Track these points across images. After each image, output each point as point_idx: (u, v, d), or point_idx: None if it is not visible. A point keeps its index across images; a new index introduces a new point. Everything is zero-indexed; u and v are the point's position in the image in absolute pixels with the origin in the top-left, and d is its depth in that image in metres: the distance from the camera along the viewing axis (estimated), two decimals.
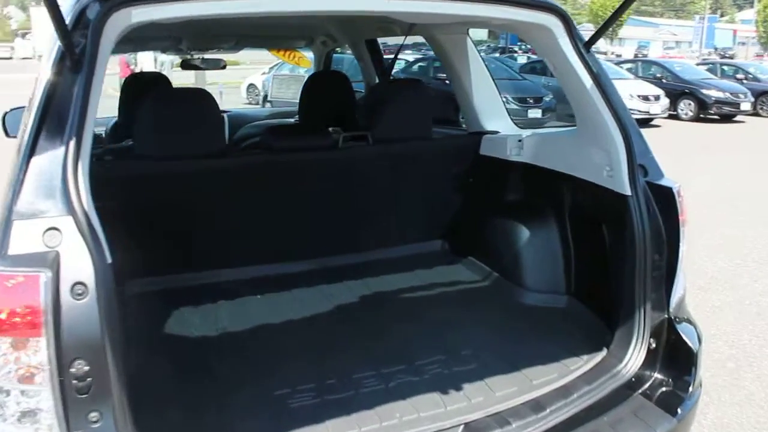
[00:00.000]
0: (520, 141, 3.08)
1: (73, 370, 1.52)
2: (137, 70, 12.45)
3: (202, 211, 3.01)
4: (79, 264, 1.54)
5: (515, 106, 14.08)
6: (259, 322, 2.74)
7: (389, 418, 2.03)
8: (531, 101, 14.87)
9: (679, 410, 2.14)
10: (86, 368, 1.53)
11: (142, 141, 2.87)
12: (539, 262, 2.90)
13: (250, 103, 19.16)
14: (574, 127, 2.69)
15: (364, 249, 3.38)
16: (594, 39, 2.48)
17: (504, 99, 12.62)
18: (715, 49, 56.10)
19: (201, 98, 2.96)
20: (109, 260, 1.62)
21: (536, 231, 2.94)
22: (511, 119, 3.49)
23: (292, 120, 4.92)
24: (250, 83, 20.37)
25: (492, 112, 3.46)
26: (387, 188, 3.32)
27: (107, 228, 2.56)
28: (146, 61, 16.07)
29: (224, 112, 5.42)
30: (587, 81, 2.43)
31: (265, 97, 17.48)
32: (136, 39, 4.34)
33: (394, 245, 3.44)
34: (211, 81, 19.92)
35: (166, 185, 2.89)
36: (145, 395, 2.07)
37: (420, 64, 16.84)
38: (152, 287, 2.94)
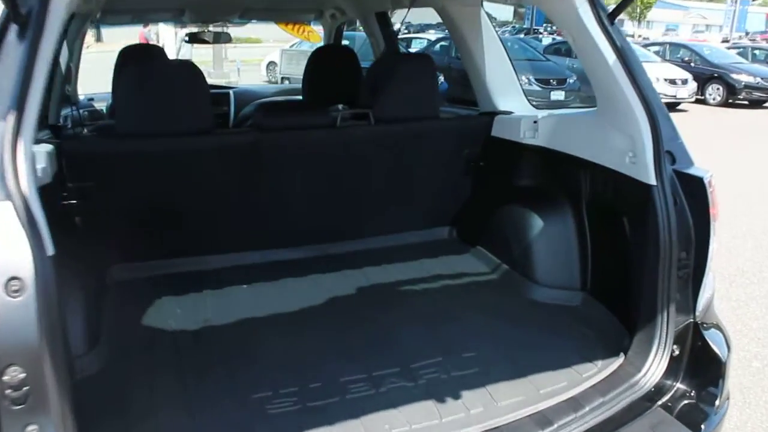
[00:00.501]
0: (535, 122, 2.86)
1: (6, 378, 1.34)
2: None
3: (188, 192, 2.83)
4: (15, 256, 1.35)
5: (537, 88, 13.72)
6: (243, 315, 2.54)
7: (377, 429, 1.83)
8: (554, 83, 14.42)
9: (703, 426, 1.93)
10: (22, 376, 1.34)
11: (121, 117, 2.66)
12: (552, 254, 2.68)
13: (269, 81, 18.95)
14: (594, 108, 2.45)
15: (365, 236, 3.20)
16: (619, 9, 2.23)
17: (526, 80, 12.13)
18: (747, 33, 54.70)
19: (185, 72, 2.74)
20: (51, 252, 1.42)
21: (550, 221, 2.71)
22: (527, 99, 3.24)
23: (300, 97, 4.70)
24: (270, 61, 20.17)
25: (506, 90, 3.22)
26: (390, 171, 3.11)
27: (84, 209, 2.38)
28: (167, 35, 15.74)
29: (230, 88, 5.26)
30: (610, 56, 2.18)
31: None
32: (135, 10, 4.15)
33: (397, 232, 3.26)
34: (232, 58, 19.80)
35: (145, 165, 2.69)
36: (106, 399, 1.91)
37: (442, 43, 16.47)
38: (137, 274, 2.81)
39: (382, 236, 3.22)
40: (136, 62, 3.03)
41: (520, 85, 3.34)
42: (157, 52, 4.01)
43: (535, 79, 13.99)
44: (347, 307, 2.64)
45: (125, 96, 2.67)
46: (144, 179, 2.72)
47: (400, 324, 2.46)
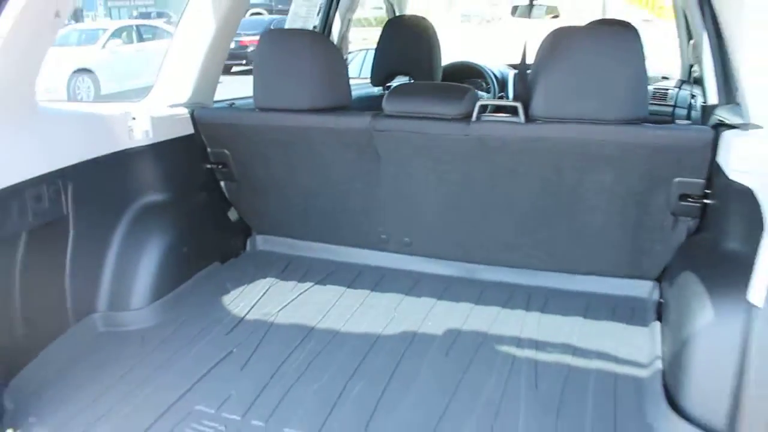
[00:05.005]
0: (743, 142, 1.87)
1: None
2: None
3: (310, 173, 2.71)
4: None
5: None
6: (320, 322, 2.40)
7: None
8: None
9: None
10: None
11: (254, 91, 2.61)
12: None
13: None
14: None
15: (520, 266, 2.63)
16: None
17: None
18: None
19: (306, 46, 2.56)
20: None
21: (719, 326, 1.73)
22: None
23: None
24: None
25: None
26: (549, 190, 2.41)
27: (224, 175, 2.86)
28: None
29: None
30: None
31: None
32: None
33: (573, 272, 2.58)
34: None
35: (264, 138, 2.68)
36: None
37: None
38: (271, 247, 3.02)
39: (549, 272, 2.60)
40: (280, 35, 2.88)
41: None
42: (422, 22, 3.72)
43: None
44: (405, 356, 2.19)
45: (255, 70, 2.61)
46: (267, 153, 2.70)
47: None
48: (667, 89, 4.61)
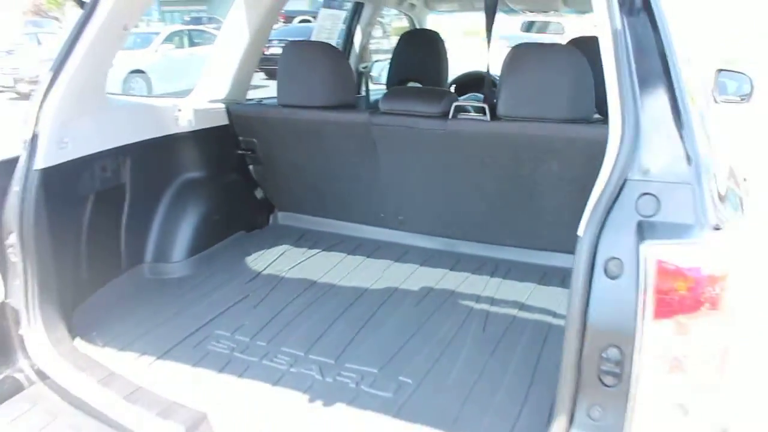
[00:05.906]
0: None
1: None
2: None
3: (321, 159, 3.25)
4: None
5: None
6: (322, 278, 2.96)
7: None
8: None
9: None
10: None
11: (278, 89, 3.19)
12: None
13: None
14: None
15: (492, 242, 3.15)
16: None
17: None
18: None
19: (318, 52, 3.19)
20: None
21: None
22: None
23: None
24: None
25: None
26: (510, 178, 2.90)
27: (252, 159, 3.45)
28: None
29: None
30: None
31: None
32: None
33: (532, 248, 3.09)
34: None
35: (282, 129, 3.24)
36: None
37: None
38: (291, 222, 3.62)
39: (513, 248, 3.11)
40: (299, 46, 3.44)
41: None
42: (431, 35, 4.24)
43: None
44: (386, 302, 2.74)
45: (279, 73, 3.18)
46: (287, 142, 3.27)
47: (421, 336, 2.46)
48: None
